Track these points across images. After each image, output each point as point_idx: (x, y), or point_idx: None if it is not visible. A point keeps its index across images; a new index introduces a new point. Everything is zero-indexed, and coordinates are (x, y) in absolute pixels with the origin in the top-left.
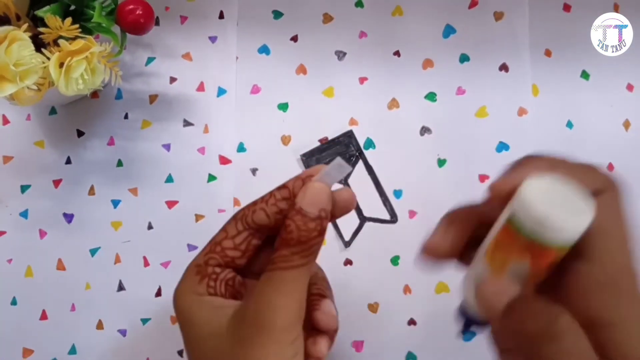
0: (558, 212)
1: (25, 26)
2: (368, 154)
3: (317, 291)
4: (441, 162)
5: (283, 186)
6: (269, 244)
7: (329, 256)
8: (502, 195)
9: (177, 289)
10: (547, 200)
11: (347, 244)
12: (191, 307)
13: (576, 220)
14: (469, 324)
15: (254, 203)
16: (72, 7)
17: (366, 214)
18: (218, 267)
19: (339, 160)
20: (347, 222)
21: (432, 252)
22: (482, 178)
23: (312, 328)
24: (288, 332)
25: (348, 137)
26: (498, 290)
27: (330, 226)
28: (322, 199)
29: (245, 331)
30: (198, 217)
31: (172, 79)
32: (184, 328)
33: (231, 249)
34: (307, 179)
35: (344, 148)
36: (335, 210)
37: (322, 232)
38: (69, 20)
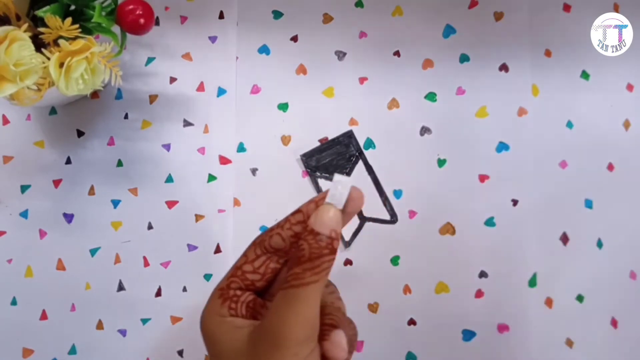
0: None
1: (25, 26)
2: (368, 154)
3: (330, 321)
4: (441, 162)
5: (298, 211)
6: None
7: None
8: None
9: (203, 310)
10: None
11: (347, 244)
12: (215, 327)
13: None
14: None
15: (272, 229)
16: (72, 7)
17: (366, 214)
18: (239, 290)
19: (336, 177)
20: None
21: None
22: (482, 178)
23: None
24: (301, 346)
25: (348, 137)
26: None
27: None
28: (332, 219)
29: (262, 347)
30: (198, 217)
31: (172, 79)
32: (209, 347)
33: (251, 272)
34: (320, 202)
35: (344, 148)
36: (347, 208)
37: (333, 251)
38: (69, 20)
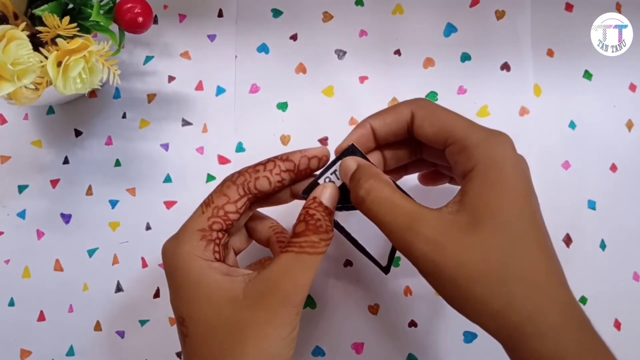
0: None
1: (23, 25)
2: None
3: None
4: None
5: (287, 159)
6: None
7: (329, 257)
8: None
9: (179, 249)
10: None
11: (386, 270)
12: (202, 272)
13: None
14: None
15: (255, 170)
16: (70, 6)
17: None
18: (221, 232)
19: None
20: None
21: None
22: None
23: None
24: (300, 305)
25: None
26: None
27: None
28: (336, 197)
29: (267, 301)
30: None
31: (171, 78)
32: (192, 291)
33: (233, 212)
34: (314, 160)
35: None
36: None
37: (332, 226)
38: (67, 19)
